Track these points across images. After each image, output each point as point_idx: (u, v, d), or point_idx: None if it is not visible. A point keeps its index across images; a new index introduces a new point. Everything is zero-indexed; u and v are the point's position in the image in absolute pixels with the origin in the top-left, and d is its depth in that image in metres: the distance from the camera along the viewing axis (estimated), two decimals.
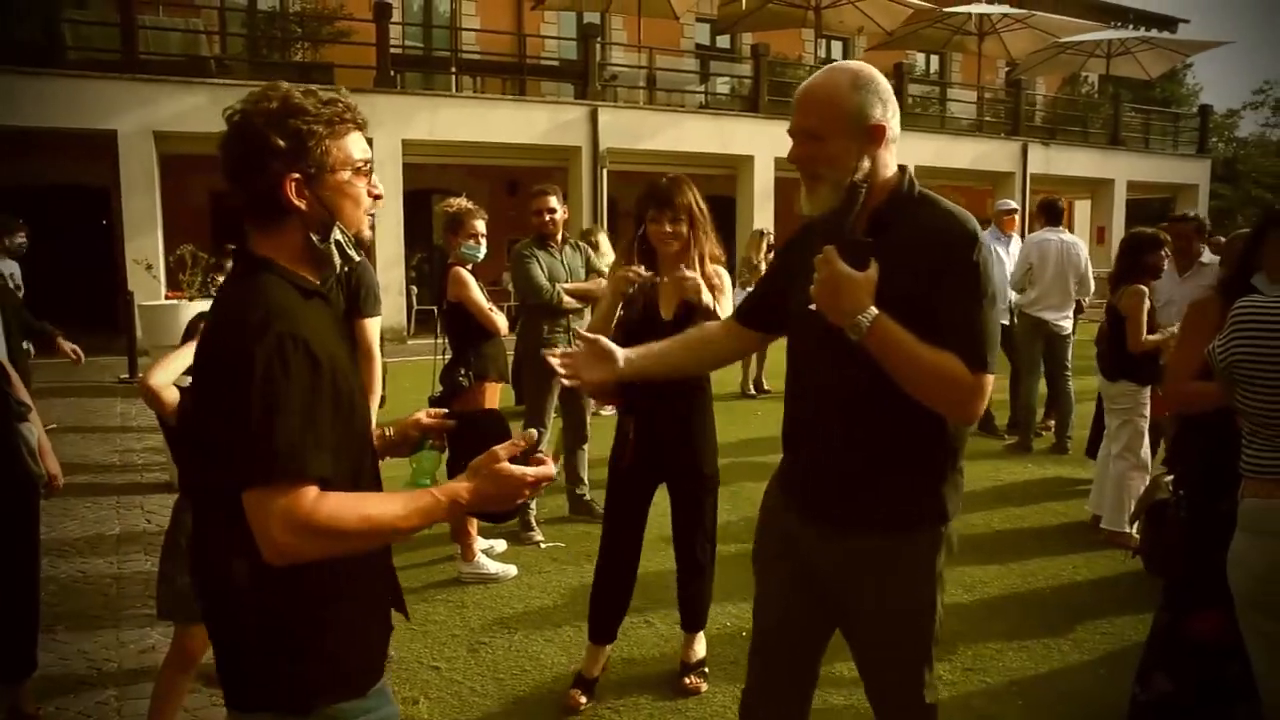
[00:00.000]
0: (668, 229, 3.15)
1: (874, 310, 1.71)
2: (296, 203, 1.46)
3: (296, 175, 1.45)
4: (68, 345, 5.56)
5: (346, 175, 1.51)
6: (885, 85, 1.84)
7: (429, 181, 15.76)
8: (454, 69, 15.88)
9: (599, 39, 15.99)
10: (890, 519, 1.90)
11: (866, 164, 1.81)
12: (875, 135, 1.80)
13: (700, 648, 3.43)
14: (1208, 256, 5.48)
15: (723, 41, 21.29)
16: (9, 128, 11.73)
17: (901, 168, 1.88)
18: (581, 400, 5.16)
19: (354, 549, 1.43)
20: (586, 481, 5.30)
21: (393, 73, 14.07)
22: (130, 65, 12.31)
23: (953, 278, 1.76)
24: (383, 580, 1.60)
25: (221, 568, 1.44)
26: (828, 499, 1.94)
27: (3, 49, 12.20)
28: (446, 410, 1.92)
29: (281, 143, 1.43)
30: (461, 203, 4.44)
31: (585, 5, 17.29)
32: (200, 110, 12.37)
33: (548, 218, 4.89)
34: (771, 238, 9.82)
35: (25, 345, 4.70)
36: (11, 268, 7.07)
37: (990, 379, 1.77)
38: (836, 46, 22.69)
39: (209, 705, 3.14)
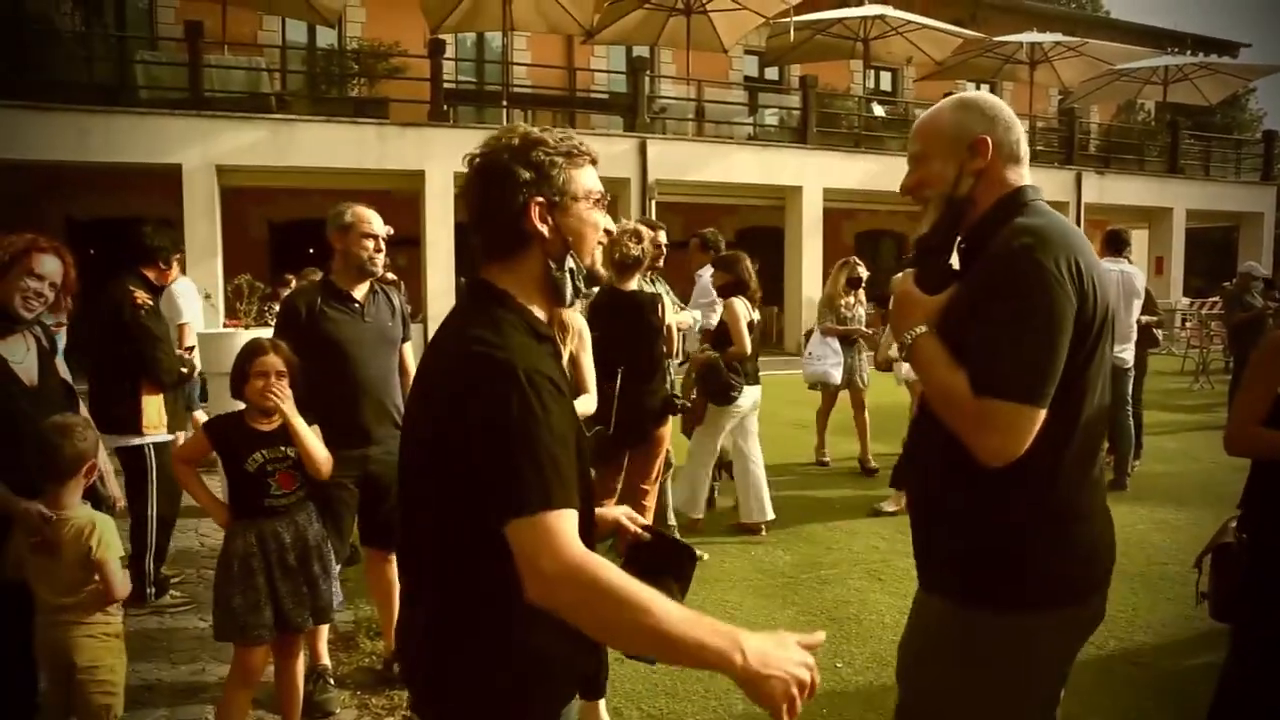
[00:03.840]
0: None
1: (921, 328, 1.71)
2: (539, 227, 1.50)
3: (540, 200, 1.50)
4: None
5: (585, 205, 1.55)
6: (994, 104, 1.80)
7: None
8: (505, 103, 16.16)
9: (648, 72, 16.16)
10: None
11: (969, 180, 1.76)
12: (978, 150, 1.75)
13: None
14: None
15: (771, 73, 21.39)
16: (84, 164, 12.24)
17: (1023, 188, 1.78)
18: None
19: (605, 618, 1.30)
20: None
21: (446, 107, 14.37)
22: (196, 103, 12.77)
23: (978, 293, 1.67)
24: (595, 659, 1.63)
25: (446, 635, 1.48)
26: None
27: (81, 90, 12.79)
28: (648, 525, 1.79)
29: (526, 173, 1.49)
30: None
31: (635, 39, 17.52)
32: (260, 145, 12.80)
33: (662, 250, 5.03)
34: (861, 269, 7.77)
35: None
36: None
37: (1003, 407, 1.57)
38: (885, 77, 22.67)
39: None
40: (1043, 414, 1.58)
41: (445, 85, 14.48)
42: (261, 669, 2.90)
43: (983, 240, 1.71)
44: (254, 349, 2.95)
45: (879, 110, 19.31)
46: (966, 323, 1.66)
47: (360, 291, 3.55)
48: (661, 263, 5.08)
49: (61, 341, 7.94)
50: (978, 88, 23.66)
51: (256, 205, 15.09)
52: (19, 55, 13.26)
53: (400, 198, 13.74)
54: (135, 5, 16.17)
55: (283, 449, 2.90)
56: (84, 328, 5.49)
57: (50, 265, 2.82)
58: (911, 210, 1.96)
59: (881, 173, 16.29)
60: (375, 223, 3.56)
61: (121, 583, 2.69)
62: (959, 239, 1.80)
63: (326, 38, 17.03)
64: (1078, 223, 18.05)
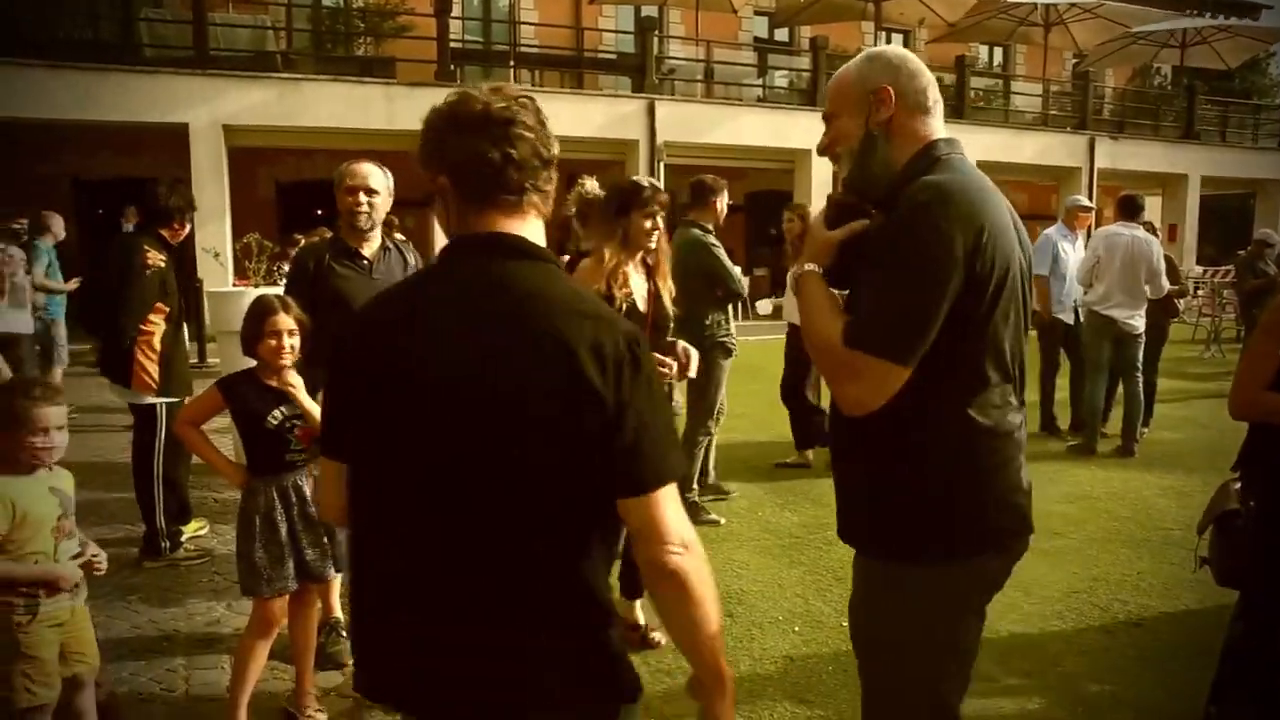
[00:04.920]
0: None
1: (808, 266, 1.79)
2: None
3: None
4: None
5: None
6: (900, 54, 1.79)
7: None
8: (513, 63, 16.01)
9: (656, 32, 15.99)
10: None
11: (879, 130, 1.75)
12: (881, 98, 1.74)
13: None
14: None
15: (781, 35, 21.14)
16: (90, 122, 12.20)
17: (935, 142, 1.76)
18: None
19: (704, 594, 1.34)
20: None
21: (452, 67, 14.25)
22: (201, 61, 12.67)
23: (875, 244, 1.69)
24: None
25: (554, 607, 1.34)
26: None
27: (84, 48, 12.70)
28: None
29: None
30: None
31: None
32: (267, 104, 12.72)
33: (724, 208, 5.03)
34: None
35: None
36: (17, 253, 7.17)
37: (868, 361, 1.61)
38: (897, 39, 22.37)
39: (271, 678, 3.21)
40: (907, 372, 1.61)
41: (452, 45, 14.35)
42: (280, 620, 2.95)
43: (898, 192, 1.70)
44: (265, 307, 2.95)
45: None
46: (860, 274, 1.74)
47: (369, 248, 3.55)
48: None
49: (60, 306, 8.00)
50: (990, 51, 23.36)
51: (264, 165, 15.03)
52: (21, 11, 13.15)
53: (411, 158, 13.61)
54: None
55: None
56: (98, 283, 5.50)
57: None
58: None
59: None
60: (363, 176, 3.49)
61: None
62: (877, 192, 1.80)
63: None
64: (1089, 189, 17.93)
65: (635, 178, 2.40)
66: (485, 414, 1.29)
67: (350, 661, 3.41)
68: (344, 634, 3.50)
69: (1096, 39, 19.47)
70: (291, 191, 16.34)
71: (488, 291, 1.34)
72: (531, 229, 1.42)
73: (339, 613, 3.54)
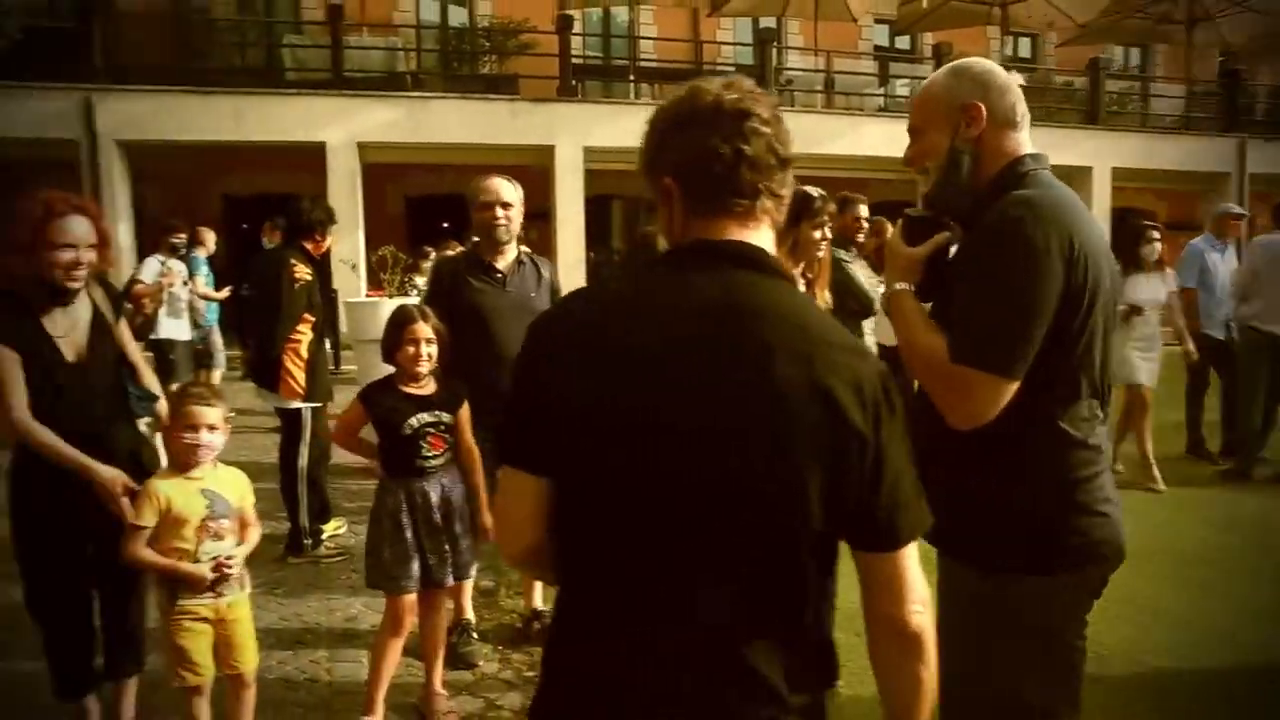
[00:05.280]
0: None
1: (899, 285, 1.81)
2: None
3: None
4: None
5: None
6: (988, 70, 1.80)
7: (609, 187, 16.16)
8: (632, 77, 16.22)
9: (775, 43, 15.92)
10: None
11: (966, 146, 1.77)
12: (971, 114, 1.75)
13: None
14: None
15: (902, 42, 20.69)
16: (238, 143, 13.00)
17: (1022, 158, 1.77)
18: None
19: (932, 655, 1.26)
20: None
21: (574, 82, 14.55)
22: (338, 83, 13.36)
23: (967, 260, 1.72)
24: None
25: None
26: None
27: (234, 74, 13.61)
28: None
29: None
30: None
31: (761, 10, 17.24)
32: (397, 122, 13.29)
33: (864, 224, 5.08)
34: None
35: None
36: (177, 266, 7.72)
37: (977, 376, 1.63)
38: (1025, 44, 21.58)
39: (406, 674, 3.33)
40: (1014, 386, 1.63)
41: (573, 60, 14.65)
42: (410, 619, 3.06)
43: (985, 207, 1.72)
44: (405, 317, 3.09)
45: (1017, 78, 18.39)
46: (955, 289, 1.73)
47: (503, 262, 3.65)
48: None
49: (214, 314, 8.54)
50: (1126, 53, 22.24)
51: (393, 180, 15.64)
52: (183, 44, 14.18)
53: (532, 173, 14.04)
54: None
55: (436, 413, 3.04)
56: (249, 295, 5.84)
57: (78, 227, 2.59)
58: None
59: None
60: (498, 191, 3.59)
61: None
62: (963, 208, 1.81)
63: (458, 16, 17.45)
64: (1240, 195, 16.81)
65: (805, 187, 2.40)
66: (723, 450, 1.13)
67: (481, 663, 3.53)
68: (474, 635, 3.61)
69: (1248, 34, 18.26)
70: (419, 206, 16.98)
71: (725, 310, 1.17)
72: (765, 239, 1.26)
73: (470, 614, 3.66)
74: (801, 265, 3.48)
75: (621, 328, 1.20)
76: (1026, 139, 1.80)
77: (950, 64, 1.85)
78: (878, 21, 19.65)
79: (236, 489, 2.77)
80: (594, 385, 1.17)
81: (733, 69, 17.62)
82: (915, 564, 1.23)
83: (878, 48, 20.37)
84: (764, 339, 1.14)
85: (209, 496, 2.67)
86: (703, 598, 1.15)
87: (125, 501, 2.59)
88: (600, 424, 1.17)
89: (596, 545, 1.21)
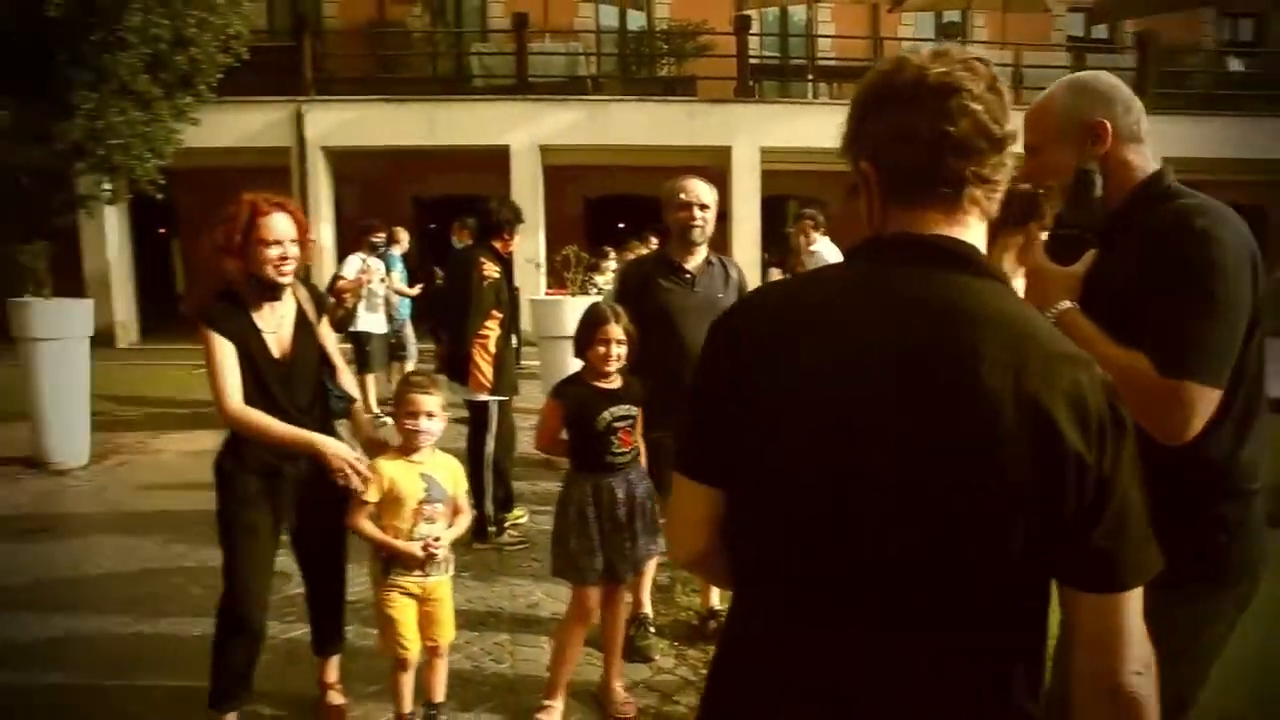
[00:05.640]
0: None
1: (1065, 304, 1.75)
2: None
3: None
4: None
5: None
6: (1109, 83, 1.79)
7: (785, 188, 16.02)
8: (810, 76, 15.99)
9: (960, 37, 15.28)
10: None
11: (1093, 164, 1.77)
12: (1097, 133, 1.75)
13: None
14: None
15: (1099, 32, 19.35)
16: (428, 148, 13.78)
17: (1160, 171, 1.77)
18: None
19: None
20: None
21: (751, 82, 14.51)
22: (522, 88, 13.91)
23: (1160, 273, 1.65)
24: None
25: None
26: None
27: (425, 83, 14.45)
28: None
29: None
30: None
31: (945, 4, 16.62)
32: (577, 125, 13.69)
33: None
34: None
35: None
36: (375, 264, 8.14)
37: (1194, 389, 1.58)
38: (1245, 25, 19.70)
39: (587, 663, 3.40)
40: (1219, 395, 1.61)
41: (751, 61, 14.61)
42: (595, 609, 3.12)
43: (1129, 222, 1.73)
44: (598, 316, 3.15)
45: (1236, 65, 16.86)
46: (1127, 299, 1.68)
47: (693, 262, 3.66)
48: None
49: (407, 309, 9.04)
50: None
51: (572, 182, 16.08)
52: (381, 57, 15.16)
53: (709, 173, 14.05)
54: (470, 2, 17.80)
55: (626, 407, 3.10)
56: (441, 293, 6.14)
57: (281, 224, 2.74)
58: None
59: (1238, 138, 14.22)
60: (696, 192, 3.61)
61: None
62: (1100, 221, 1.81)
63: (637, 21, 17.75)
64: None
65: (1024, 186, 2.30)
66: (921, 463, 1.03)
67: (657, 657, 3.57)
68: (652, 629, 3.66)
69: None
70: (598, 206, 17.42)
71: (926, 312, 1.06)
72: (973, 232, 1.12)
73: (648, 608, 3.70)
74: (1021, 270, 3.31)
75: (812, 329, 1.11)
76: (1149, 149, 1.80)
77: (1068, 79, 1.84)
78: (1071, 10, 18.47)
79: (451, 476, 2.95)
80: (783, 390, 1.09)
81: None
82: (1138, 615, 1.06)
83: (1071, 38, 19.13)
84: (972, 346, 1.02)
85: (427, 480, 2.85)
86: (888, 609, 1.07)
87: (352, 474, 2.76)
88: (789, 431, 1.08)
89: (780, 553, 1.13)
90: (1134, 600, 1.06)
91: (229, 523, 2.83)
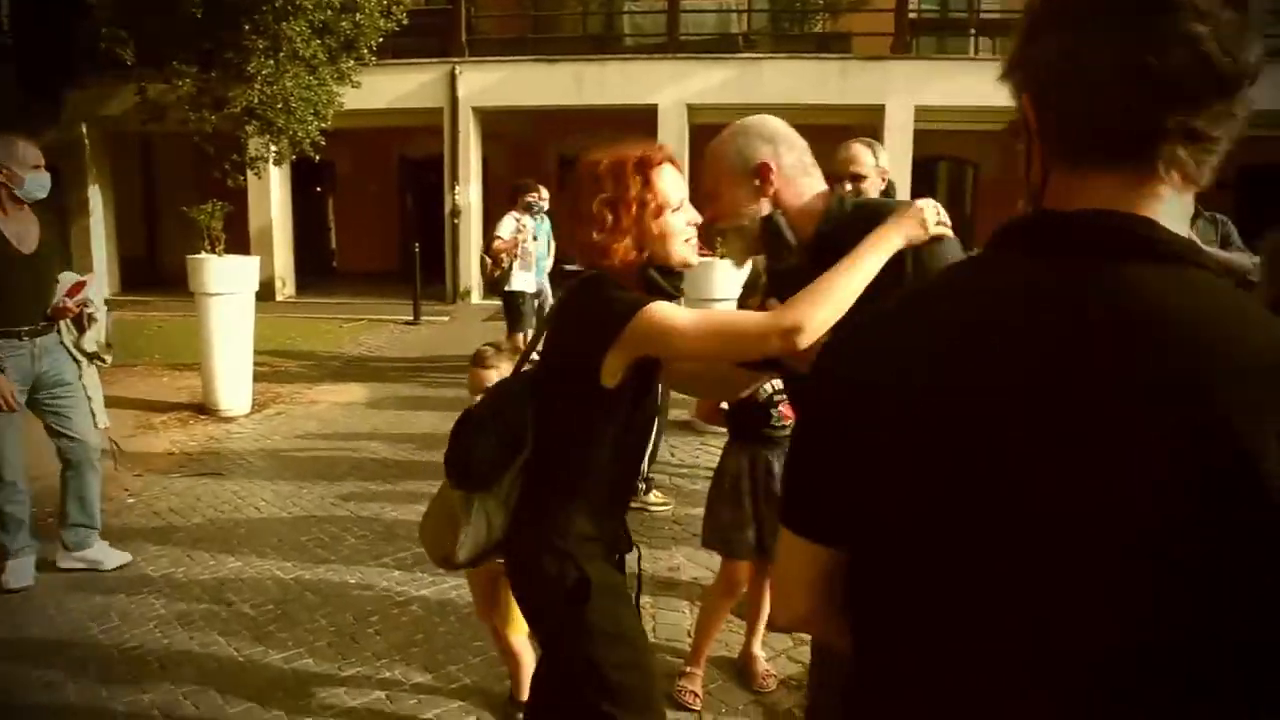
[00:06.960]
0: None
1: None
2: None
3: None
4: None
5: None
6: (771, 125, 1.86)
7: (936, 148, 15.27)
8: (973, 31, 15.09)
9: None
10: None
11: (765, 204, 1.82)
12: (762, 173, 1.82)
13: None
14: None
15: None
16: (576, 107, 13.84)
17: (829, 191, 1.87)
18: None
19: None
20: None
21: (909, 38, 13.83)
22: (673, 46, 13.73)
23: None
24: None
25: None
26: None
27: (576, 43, 14.48)
28: None
29: None
30: None
31: None
32: (726, 84, 13.42)
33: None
34: None
35: None
36: (529, 223, 8.12)
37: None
38: None
39: (727, 631, 3.35)
40: None
41: (909, 15, 13.91)
42: (744, 583, 3.07)
43: (838, 241, 1.74)
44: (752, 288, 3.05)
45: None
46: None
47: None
48: None
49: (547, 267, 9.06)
50: None
51: None
52: (533, 17, 15.32)
53: (858, 132, 13.56)
54: None
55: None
56: None
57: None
58: None
59: None
60: (852, 160, 3.49)
61: None
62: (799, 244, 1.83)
63: None
64: None
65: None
66: (1081, 520, 0.77)
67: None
68: None
69: None
70: None
71: (1084, 323, 0.78)
72: (1167, 208, 0.81)
73: None
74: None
75: (946, 358, 0.85)
76: (820, 177, 1.88)
77: (733, 125, 1.91)
78: None
79: None
80: (910, 433, 0.86)
81: None
82: None
83: None
84: (1147, 366, 0.75)
85: None
86: (1033, 683, 0.81)
87: None
88: (918, 486, 0.86)
89: (907, 616, 0.91)
90: None
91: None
